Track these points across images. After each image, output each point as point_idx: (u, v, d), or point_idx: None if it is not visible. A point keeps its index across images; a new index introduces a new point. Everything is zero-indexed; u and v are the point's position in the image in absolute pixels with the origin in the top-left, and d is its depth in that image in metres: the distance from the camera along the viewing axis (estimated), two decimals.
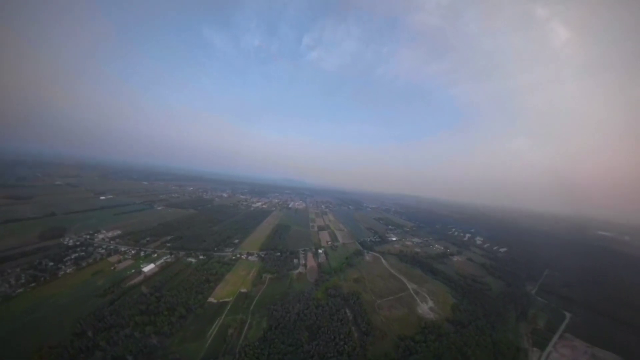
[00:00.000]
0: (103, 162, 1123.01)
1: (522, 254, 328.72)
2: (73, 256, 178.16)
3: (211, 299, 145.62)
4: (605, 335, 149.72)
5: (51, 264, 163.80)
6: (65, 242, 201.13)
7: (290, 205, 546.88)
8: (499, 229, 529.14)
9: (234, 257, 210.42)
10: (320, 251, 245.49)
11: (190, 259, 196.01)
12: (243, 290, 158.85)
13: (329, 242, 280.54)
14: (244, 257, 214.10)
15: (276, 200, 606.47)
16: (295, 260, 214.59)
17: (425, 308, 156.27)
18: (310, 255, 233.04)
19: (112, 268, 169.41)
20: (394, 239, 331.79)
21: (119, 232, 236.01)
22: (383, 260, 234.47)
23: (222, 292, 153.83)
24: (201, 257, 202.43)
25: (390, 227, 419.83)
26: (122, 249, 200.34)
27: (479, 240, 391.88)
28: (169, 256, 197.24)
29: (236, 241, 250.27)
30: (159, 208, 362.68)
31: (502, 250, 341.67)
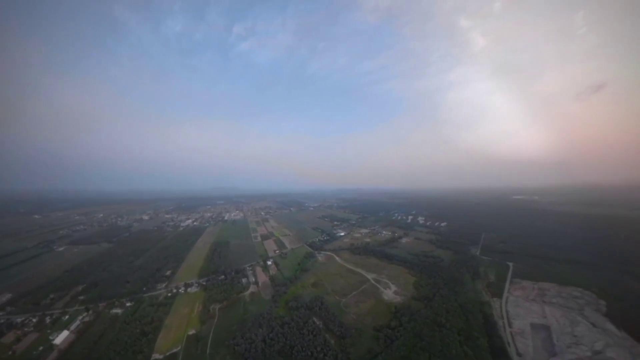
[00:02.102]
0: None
1: (460, 225, 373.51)
2: None
3: (155, 355, 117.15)
4: (542, 271, 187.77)
5: None
6: None
7: (226, 217, 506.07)
8: (436, 207, 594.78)
9: (169, 294, 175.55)
10: (269, 262, 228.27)
11: (114, 310, 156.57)
12: (191, 332, 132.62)
13: (277, 251, 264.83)
14: (182, 290, 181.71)
15: (209, 214, 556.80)
16: (244, 280, 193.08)
17: (390, 293, 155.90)
18: (259, 269, 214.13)
19: (10, 353, 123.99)
20: (342, 234, 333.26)
21: (9, 295, 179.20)
22: (336, 258, 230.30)
23: (166, 343, 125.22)
24: (128, 304, 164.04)
25: (336, 222, 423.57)
26: (19, 320, 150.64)
27: (421, 220, 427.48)
28: (85, 314, 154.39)
29: (168, 273, 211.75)
30: (60, 249, 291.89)
31: (442, 225, 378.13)
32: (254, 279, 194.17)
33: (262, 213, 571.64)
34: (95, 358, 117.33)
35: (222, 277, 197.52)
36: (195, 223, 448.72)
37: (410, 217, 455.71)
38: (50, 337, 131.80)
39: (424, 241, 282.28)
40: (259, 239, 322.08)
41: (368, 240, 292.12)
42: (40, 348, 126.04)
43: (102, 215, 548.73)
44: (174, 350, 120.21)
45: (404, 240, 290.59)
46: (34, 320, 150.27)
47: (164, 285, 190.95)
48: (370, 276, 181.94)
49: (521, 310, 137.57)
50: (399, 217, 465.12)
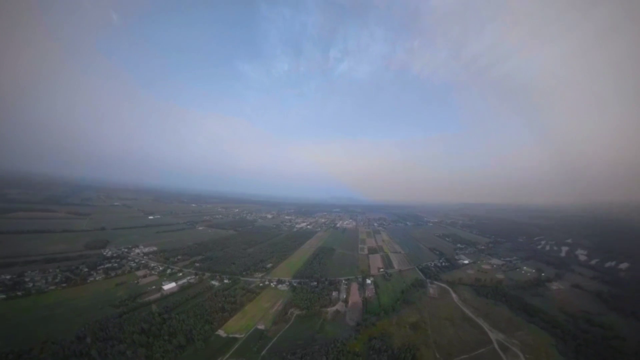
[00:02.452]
0: (158, 187, 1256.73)
1: None
2: (106, 265, 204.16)
3: (220, 332, 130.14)
4: None
5: (86, 269, 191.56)
6: (105, 253, 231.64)
7: (337, 225, 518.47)
8: (606, 234, 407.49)
9: (261, 284, 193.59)
10: (368, 281, 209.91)
11: (213, 282, 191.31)
12: (260, 326, 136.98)
13: (381, 269, 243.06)
14: (273, 284, 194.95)
15: (323, 220, 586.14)
16: (334, 294, 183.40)
17: None
18: (354, 286, 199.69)
19: (136, 282, 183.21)
20: (466, 262, 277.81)
21: (154, 248, 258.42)
22: (453, 294, 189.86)
23: (235, 326, 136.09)
24: (226, 280, 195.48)
25: (459, 245, 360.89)
26: (152, 265, 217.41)
27: (581, 254, 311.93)
28: (193, 276, 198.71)
29: (269, 265, 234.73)
30: (200, 228, 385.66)
31: (621, 267, 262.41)
32: (344, 296, 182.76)
33: (375, 224, 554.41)
34: (180, 310, 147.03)
35: (314, 283, 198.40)
36: (308, 227, 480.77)
37: (564, 249, 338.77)
38: (162, 283, 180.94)
39: (588, 293, 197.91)
40: (366, 251, 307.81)
41: (501, 276, 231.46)
42: (153, 287, 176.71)
43: (237, 210, 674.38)
44: (237, 335, 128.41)
45: (554, 285, 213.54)
46: (160, 268, 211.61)
47: (260, 275, 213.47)
48: (494, 336, 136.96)
49: None
50: (547, 247, 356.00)
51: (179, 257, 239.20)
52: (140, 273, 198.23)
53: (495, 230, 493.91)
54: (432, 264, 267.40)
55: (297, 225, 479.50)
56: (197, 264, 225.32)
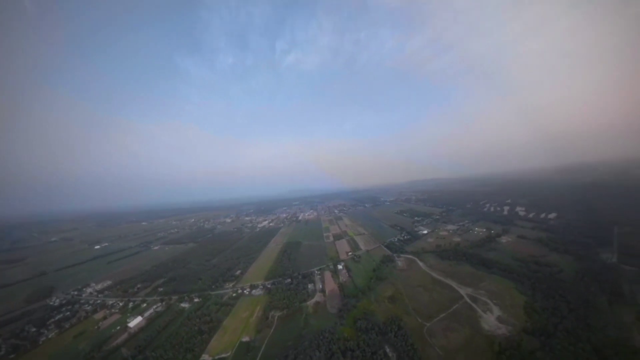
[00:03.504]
0: (100, 210, 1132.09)
1: (576, 216, 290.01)
2: (57, 317, 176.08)
3: (205, 357, 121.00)
4: None
5: (34, 329, 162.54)
6: (52, 303, 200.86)
7: (299, 218, 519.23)
8: (537, 194, 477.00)
9: (234, 294, 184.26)
10: (340, 266, 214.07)
11: (183, 305, 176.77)
12: (245, 339, 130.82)
13: (349, 253, 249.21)
14: (246, 291, 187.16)
15: (284, 215, 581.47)
16: (310, 286, 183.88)
17: (492, 320, 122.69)
18: (328, 274, 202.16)
19: (97, 327, 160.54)
20: (425, 232, 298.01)
21: (109, 282, 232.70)
22: (420, 263, 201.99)
23: (219, 346, 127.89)
24: (196, 299, 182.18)
25: (417, 218, 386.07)
26: (110, 302, 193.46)
27: (520, 211, 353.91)
28: (159, 304, 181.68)
29: (238, 273, 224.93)
30: (155, 248, 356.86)
31: (551, 217, 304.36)
32: (320, 286, 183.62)
33: (336, 211, 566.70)
34: (155, 345, 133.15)
35: (288, 280, 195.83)
36: (270, 224, 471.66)
37: (506, 209, 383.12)
38: (127, 320, 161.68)
39: (532, 241, 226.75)
40: (331, 239, 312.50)
41: (457, 239, 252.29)
42: (118, 327, 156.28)
43: (193, 220, 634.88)
44: (223, 355, 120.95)
45: (503, 239, 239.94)
46: (120, 304, 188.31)
47: (231, 285, 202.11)
48: (464, 291, 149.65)
49: None
50: (492, 209, 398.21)
51: (139, 285, 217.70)
52: (99, 316, 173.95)
53: (446, 200, 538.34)
54: (396, 239, 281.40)
55: (259, 225, 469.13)
56: (161, 289, 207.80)
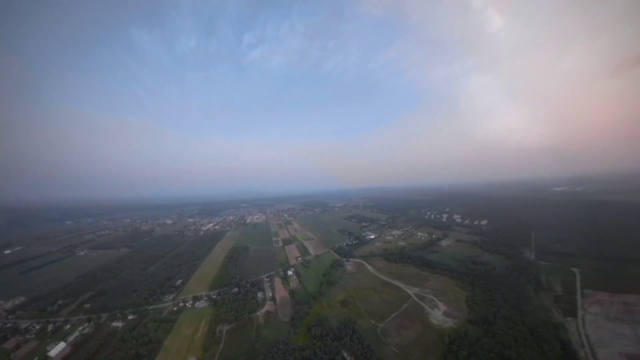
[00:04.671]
0: (15, 205, 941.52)
1: (503, 222, 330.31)
2: None
3: None
4: (620, 278, 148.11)
5: None
6: None
7: (247, 221, 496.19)
8: (471, 203, 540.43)
9: (175, 308, 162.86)
10: (290, 272, 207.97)
11: (115, 324, 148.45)
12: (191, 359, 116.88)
13: (299, 258, 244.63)
14: (189, 304, 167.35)
15: (231, 218, 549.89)
16: (260, 294, 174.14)
17: (439, 315, 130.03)
18: (277, 281, 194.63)
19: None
20: (372, 236, 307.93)
21: (22, 299, 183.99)
22: (368, 266, 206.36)
23: None
24: (131, 316, 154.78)
25: (364, 223, 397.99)
26: (24, 325, 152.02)
27: (457, 218, 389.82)
28: (86, 325, 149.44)
29: (178, 282, 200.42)
30: (81, 253, 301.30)
31: (483, 223, 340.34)
32: (271, 294, 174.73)
33: (285, 215, 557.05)
34: None
35: (236, 289, 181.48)
36: (216, 227, 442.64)
37: (445, 216, 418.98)
38: (47, 348, 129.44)
39: (467, 243, 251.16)
40: (280, 244, 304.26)
41: (402, 243, 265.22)
42: (36, 359, 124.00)
43: (128, 220, 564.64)
44: None
45: (443, 242, 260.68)
46: (37, 327, 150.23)
47: (171, 297, 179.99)
48: (411, 291, 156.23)
49: (605, 334, 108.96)
50: (433, 216, 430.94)
51: (60, 302, 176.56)
52: (10, 344, 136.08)
53: (392, 207, 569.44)
54: (345, 243, 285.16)
55: (204, 228, 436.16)
56: (87, 305, 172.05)
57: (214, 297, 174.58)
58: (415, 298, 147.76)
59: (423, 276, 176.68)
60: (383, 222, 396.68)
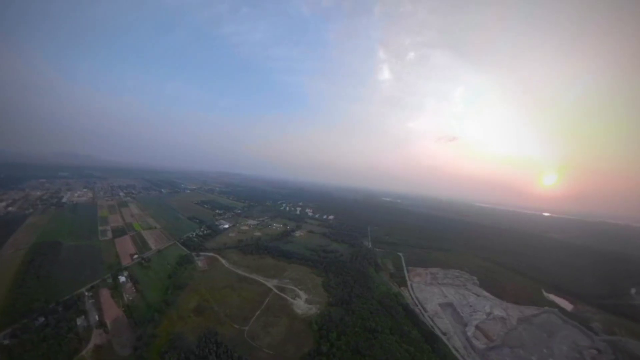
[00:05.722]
0: None
1: (346, 218, 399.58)
2: None
3: None
4: (426, 258, 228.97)
5: None
6: None
7: (64, 199, 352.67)
8: (321, 200, 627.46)
9: None
10: (122, 278, 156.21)
11: None
12: None
13: (135, 255, 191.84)
14: None
15: (39, 193, 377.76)
16: (81, 320, 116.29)
17: (302, 304, 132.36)
18: (105, 293, 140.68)
19: None
20: (226, 225, 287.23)
21: None
22: (222, 260, 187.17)
23: None
24: None
25: (218, 211, 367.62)
26: None
27: (309, 212, 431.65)
28: None
29: None
30: None
31: (331, 217, 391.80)
32: (97, 317, 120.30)
33: (121, 194, 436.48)
34: None
35: (42, 320, 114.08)
36: (10, 208, 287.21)
37: (298, 209, 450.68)
38: None
39: (318, 234, 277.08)
40: (110, 235, 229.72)
41: (258, 234, 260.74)
42: None
43: None
44: None
45: (297, 233, 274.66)
46: None
47: None
48: (271, 283, 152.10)
49: (427, 294, 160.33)
50: (287, 208, 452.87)
51: None
52: None
53: (249, 196, 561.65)
54: (194, 234, 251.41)
55: None
56: None
57: (5, 342, 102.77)
58: (276, 290, 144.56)
59: (280, 266, 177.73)
60: (239, 211, 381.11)
